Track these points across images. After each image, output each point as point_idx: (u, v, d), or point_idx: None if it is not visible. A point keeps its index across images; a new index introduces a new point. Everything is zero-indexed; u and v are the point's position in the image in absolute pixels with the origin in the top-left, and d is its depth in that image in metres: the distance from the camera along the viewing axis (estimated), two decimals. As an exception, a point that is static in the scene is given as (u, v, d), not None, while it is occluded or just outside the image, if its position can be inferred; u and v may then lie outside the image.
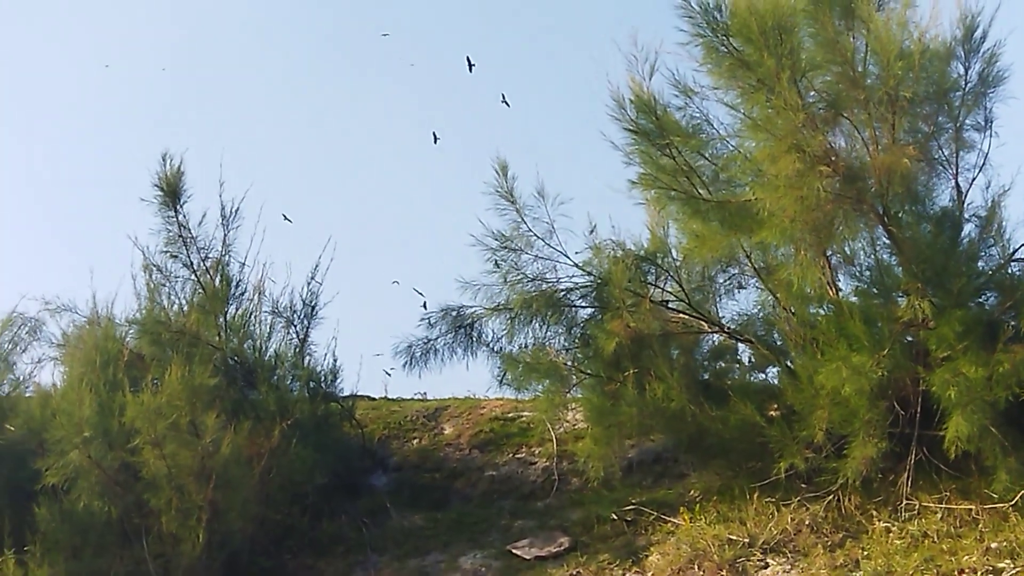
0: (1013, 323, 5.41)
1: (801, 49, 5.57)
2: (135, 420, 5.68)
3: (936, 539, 5.21)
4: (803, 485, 5.71)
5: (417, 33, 17.90)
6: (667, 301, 6.51)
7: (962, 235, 5.77)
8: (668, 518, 5.96)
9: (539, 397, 6.68)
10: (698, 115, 6.08)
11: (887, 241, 5.75)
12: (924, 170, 5.77)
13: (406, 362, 7.06)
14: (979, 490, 5.38)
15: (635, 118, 6.14)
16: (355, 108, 19.20)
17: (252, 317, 7.25)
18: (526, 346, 6.67)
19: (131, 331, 6.90)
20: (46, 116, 19.24)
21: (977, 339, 5.29)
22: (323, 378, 7.24)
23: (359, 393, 7.87)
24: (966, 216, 5.82)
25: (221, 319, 7.11)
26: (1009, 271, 5.73)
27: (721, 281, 6.61)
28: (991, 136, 5.86)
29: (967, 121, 5.83)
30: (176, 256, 7.24)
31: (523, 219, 6.53)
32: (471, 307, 6.87)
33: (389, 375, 8.20)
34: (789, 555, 5.39)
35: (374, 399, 8.42)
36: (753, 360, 6.52)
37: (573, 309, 6.64)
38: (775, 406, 6.07)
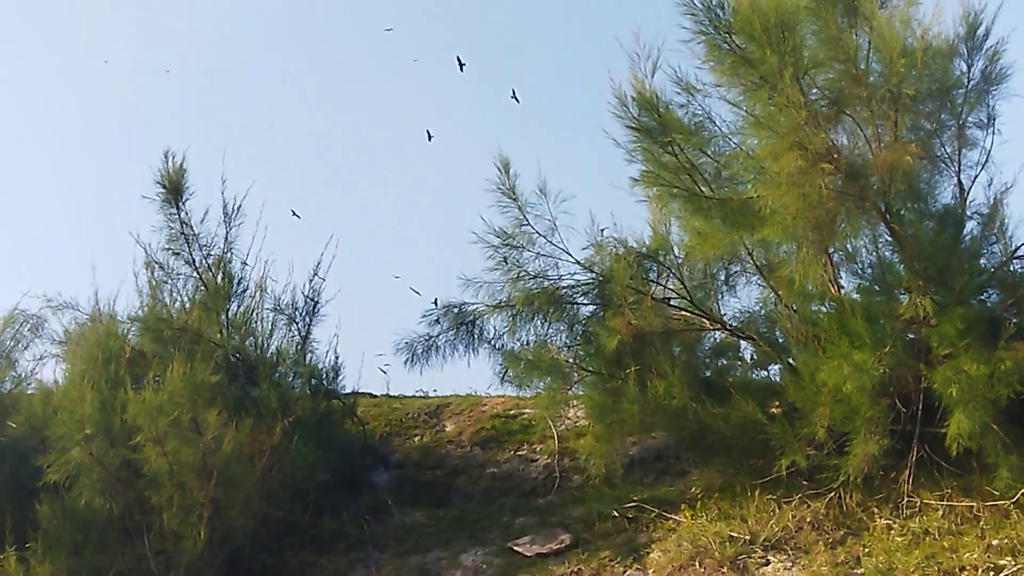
0: (1015, 320, 5.42)
1: (804, 46, 5.56)
2: (137, 417, 5.67)
3: (937, 536, 5.21)
4: (804, 482, 5.70)
5: (420, 29, 17.91)
6: (669, 298, 6.52)
7: (964, 232, 5.76)
8: (669, 515, 5.96)
9: (541, 394, 6.68)
10: (700, 112, 6.09)
11: (889, 238, 5.73)
12: (926, 167, 5.77)
13: (408, 359, 7.08)
14: (980, 487, 5.38)
15: (637, 115, 6.15)
16: (358, 104, 19.22)
17: (254, 314, 7.27)
18: (528, 343, 6.68)
19: (133, 328, 6.90)
20: (48, 113, 19.27)
21: (979, 336, 5.27)
22: (325, 375, 7.25)
23: (361, 390, 7.88)
24: (968, 213, 5.82)
25: (223, 316, 7.12)
26: (1011, 268, 5.72)
27: (723, 278, 6.61)
28: (994, 133, 5.87)
29: (970, 118, 5.83)
30: (178, 253, 7.26)
31: (525, 216, 6.54)
32: (473, 304, 6.90)
33: (384, 372, 8.22)
34: (790, 552, 5.39)
35: (376, 396, 8.42)
36: (755, 357, 6.52)
37: (575, 306, 6.64)
38: (777, 403, 6.08)
